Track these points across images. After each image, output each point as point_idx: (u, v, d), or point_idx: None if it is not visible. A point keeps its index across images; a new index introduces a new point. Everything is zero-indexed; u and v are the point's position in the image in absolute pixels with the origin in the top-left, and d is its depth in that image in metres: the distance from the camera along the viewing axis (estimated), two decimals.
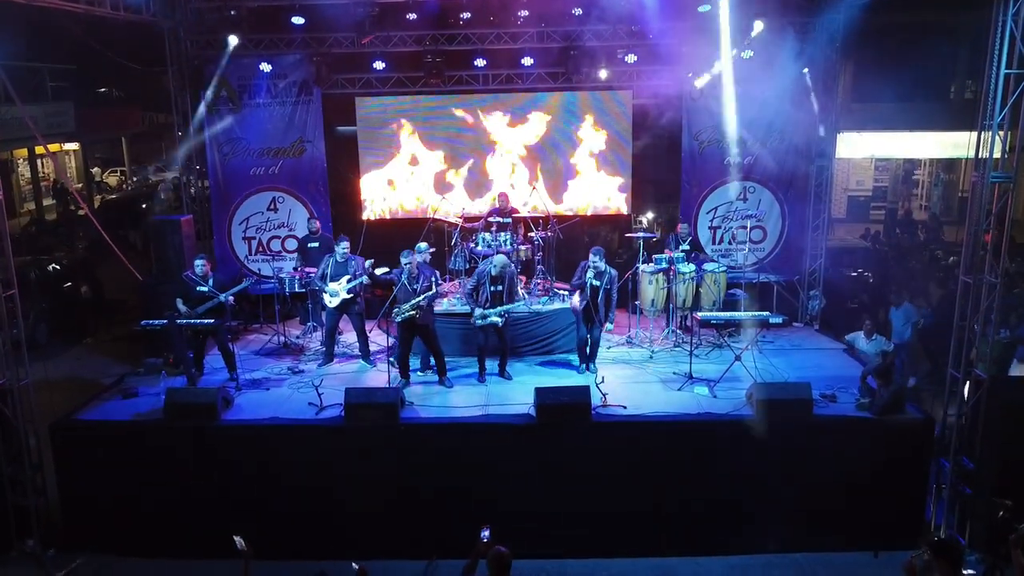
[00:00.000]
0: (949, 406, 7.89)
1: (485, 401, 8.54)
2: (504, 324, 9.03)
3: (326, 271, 9.47)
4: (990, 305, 7.50)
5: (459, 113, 11.92)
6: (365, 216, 12.11)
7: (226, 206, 11.86)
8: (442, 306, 9.89)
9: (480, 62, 11.27)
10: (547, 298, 10.27)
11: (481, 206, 11.88)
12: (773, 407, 7.88)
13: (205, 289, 8.80)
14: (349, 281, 9.35)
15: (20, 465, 7.87)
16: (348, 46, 11.15)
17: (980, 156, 7.41)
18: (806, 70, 10.70)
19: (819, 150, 11.27)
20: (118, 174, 32.34)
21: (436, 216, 11.21)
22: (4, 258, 7.70)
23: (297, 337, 10.65)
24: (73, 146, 27.65)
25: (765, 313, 9.36)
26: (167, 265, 10.82)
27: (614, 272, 9.11)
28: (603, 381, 8.65)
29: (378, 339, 10.17)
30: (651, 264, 10.29)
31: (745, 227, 11.20)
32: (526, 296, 9.63)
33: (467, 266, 10.50)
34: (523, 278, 10.58)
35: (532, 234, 10.55)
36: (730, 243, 11.72)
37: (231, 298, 8.96)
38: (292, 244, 11.84)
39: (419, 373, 9.35)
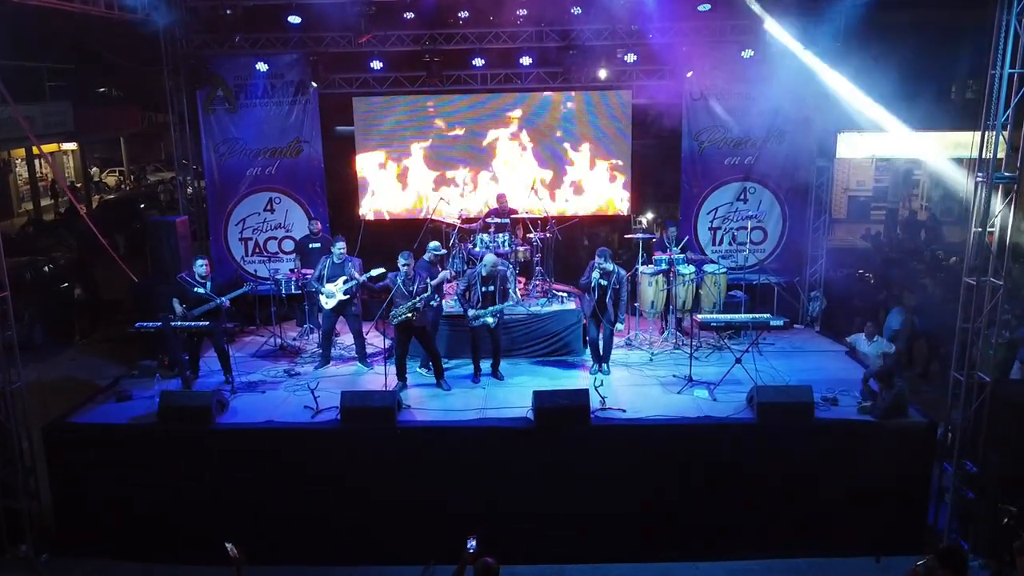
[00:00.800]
0: (952, 409, 7.81)
1: (483, 404, 8.46)
2: (497, 325, 8.96)
3: (323, 272, 9.39)
4: (993, 307, 7.41)
5: (458, 113, 11.84)
6: (363, 217, 12.04)
7: (223, 207, 11.78)
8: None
9: (478, 61, 11.18)
10: (546, 300, 10.18)
11: (479, 207, 11.81)
12: (774, 410, 7.81)
13: (203, 291, 8.72)
14: (345, 282, 9.27)
15: (13, 468, 7.78)
16: (345, 46, 11.07)
17: (984, 156, 7.33)
18: (804, 69, 10.62)
19: (820, 150, 11.19)
20: (117, 174, 32.29)
21: (434, 217, 11.13)
22: None
23: (294, 339, 10.58)
24: (71, 146, 27.60)
25: (766, 315, 9.28)
26: (162, 266, 10.74)
27: (622, 272, 9.05)
28: (602, 384, 8.57)
29: (375, 341, 10.09)
30: (651, 265, 10.22)
31: (745, 228, 11.12)
32: (516, 295, 9.55)
33: (465, 267, 10.42)
34: (522, 279, 10.50)
35: (531, 235, 10.47)
36: (730, 244, 11.65)
37: (228, 301, 8.88)
38: (289, 245, 11.77)
39: (420, 370, 9.29)
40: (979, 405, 7.53)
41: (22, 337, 8.33)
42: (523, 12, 10.89)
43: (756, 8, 10.09)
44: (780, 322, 8.93)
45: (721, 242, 11.71)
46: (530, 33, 11.00)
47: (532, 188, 11.63)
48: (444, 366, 9.12)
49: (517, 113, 11.83)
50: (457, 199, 11.87)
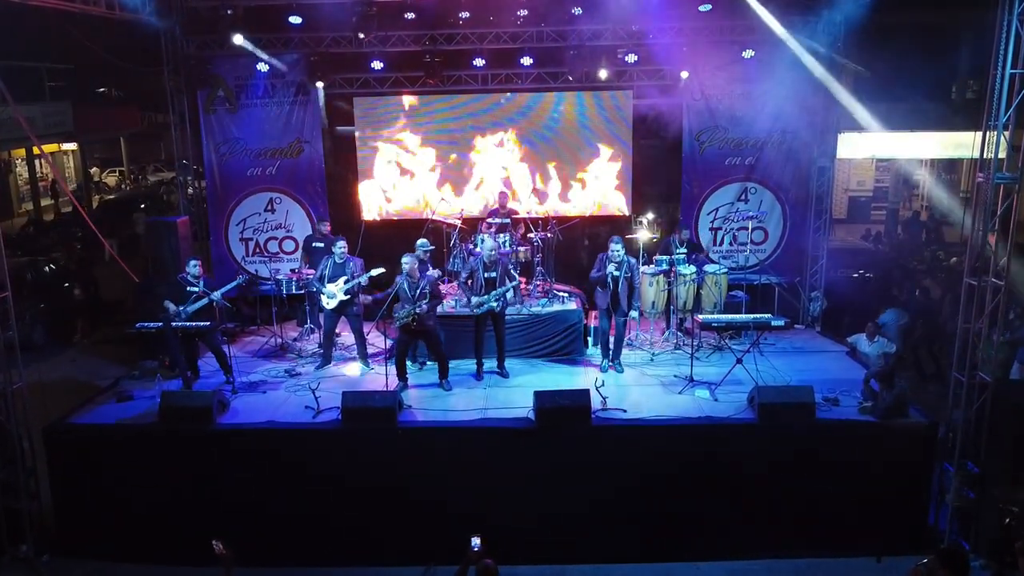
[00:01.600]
0: (953, 409, 7.80)
1: (484, 404, 8.45)
2: (501, 311, 8.95)
3: (324, 272, 9.39)
4: (995, 308, 7.41)
5: (458, 112, 11.83)
6: (364, 217, 12.03)
7: (223, 207, 11.77)
8: (440, 308, 9.78)
9: (479, 62, 11.17)
10: (547, 300, 10.17)
11: (480, 206, 11.80)
12: (775, 411, 7.80)
13: (196, 289, 8.71)
14: (346, 282, 9.27)
15: (13, 469, 7.77)
16: (346, 46, 11.06)
17: (985, 156, 7.32)
18: (805, 69, 10.62)
19: (820, 150, 11.18)
20: (117, 174, 32.28)
21: (435, 217, 11.13)
22: None
23: (295, 339, 10.57)
24: (71, 146, 27.58)
25: (767, 315, 9.27)
26: (163, 266, 10.73)
27: (633, 260, 9.05)
28: (603, 384, 8.56)
29: (376, 341, 10.08)
30: (651, 266, 10.21)
31: (746, 228, 11.11)
32: (517, 277, 9.54)
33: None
34: (523, 280, 10.49)
35: (531, 235, 10.46)
36: (731, 244, 11.64)
37: (223, 299, 8.86)
38: (290, 245, 11.77)
39: (416, 365, 9.30)
40: (980, 405, 7.53)
41: (23, 337, 8.32)
42: (524, 12, 10.87)
43: (757, 8, 10.08)
44: (781, 322, 8.91)
45: (722, 242, 11.70)
46: (531, 33, 10.99)
47: (533, 188, 11.62)
48: (451, 366, 9.08)
49: (518, 113, 11.81)
50: (457, 199, 11.86)
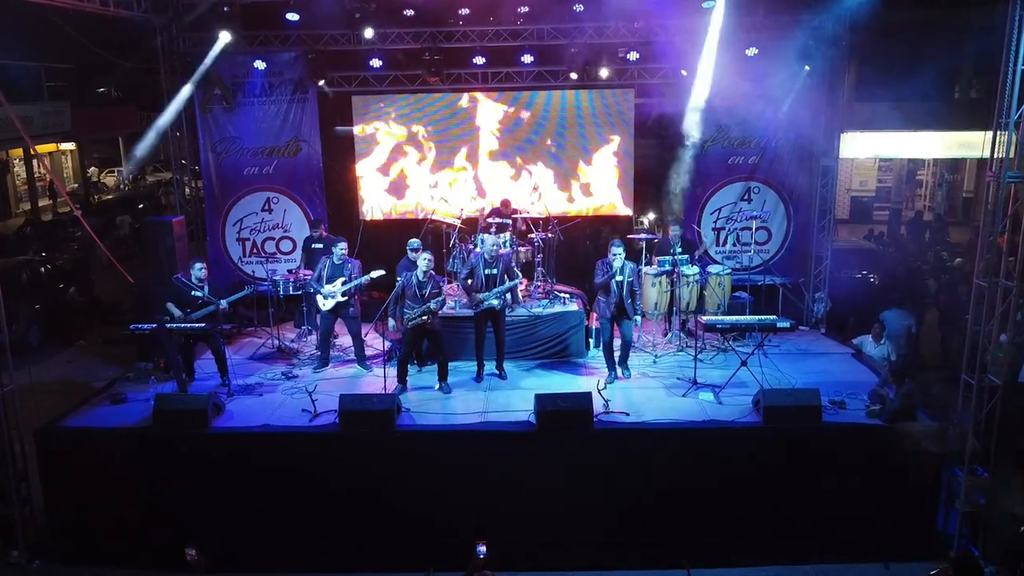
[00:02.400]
0: (963, 413, 7.65)
1: (484, 408, 8.31)
2: (502, 310, 8.83)
3: (322, 273, 9.26)
4: (1005, 309, 7.27)
5: (459, 112, 11.71)
6: (362, 217, 11.90)
7: (220, 207, 11.64)
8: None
9: (479, 60, 11.06)
10: (547, 301, 10.04)
11: (479, 206, 11.67)
12: (781, 414, 7.66)
13: (201, 295, 8.58)
14: (344, 283, 9.14)
15: (4, 472, 7.65)
16: (344, 43, 10.93)
17: (995, 156, 7.17)
18: (808, 68, 10.50)
19: (824, 149, 11.06)
20: (115, 174, 32.15)
21: (435, 217, 11.01)
22: None
23: (292, 341, 10.43)
24: (70, 146, 27.47)
25: (772, 317, 9.13)
26: (158, 267, 10.59)
27: (633, 264, 8.91)
28: (605, 387, 8.42)
29: (374, 343, 9.95)
30: (654, 266, 10.07)
31: (750, 228, 10.98)
32: (519, 274, 9.40)
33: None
34: (524, 280, 10.36)
35: (532, 235, 10.33)
36: (735, 245, 11.51)
37: (227, 304, 8.73)
38: (287, 245, 11.65)
39: (414, 367, 9.18)
40: (991, 409, 7.38)
41: (17, 339, 8.20)
42: (525, 10, 10.76)
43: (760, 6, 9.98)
44: (787, 324, 8.76)
45: (725, 242, 11.57)
46: (531, 31, 10.88)
47: (534, 188, 11.50)
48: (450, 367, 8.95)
49: (518, 112, 11.67)
50: (457, 199, 11.73)
